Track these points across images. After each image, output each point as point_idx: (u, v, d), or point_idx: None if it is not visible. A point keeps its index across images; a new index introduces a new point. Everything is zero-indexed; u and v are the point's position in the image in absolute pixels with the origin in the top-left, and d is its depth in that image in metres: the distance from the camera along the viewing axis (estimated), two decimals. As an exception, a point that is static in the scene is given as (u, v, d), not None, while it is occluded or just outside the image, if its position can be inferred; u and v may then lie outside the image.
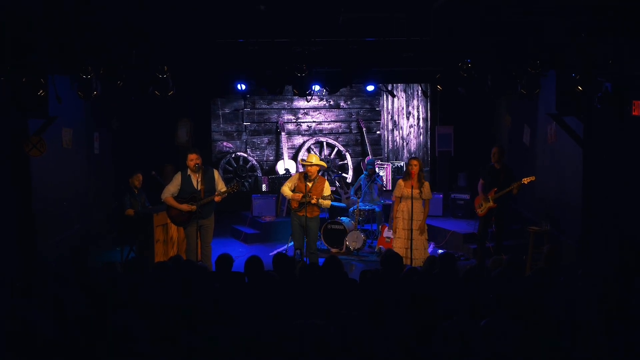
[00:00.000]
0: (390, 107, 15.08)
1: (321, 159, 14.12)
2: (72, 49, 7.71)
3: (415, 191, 8.95)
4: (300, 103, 14.45)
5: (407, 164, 9.28)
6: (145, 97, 8.58)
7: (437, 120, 13.95)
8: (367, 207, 11.75)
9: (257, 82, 9.11)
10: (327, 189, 9.13)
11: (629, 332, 4.67)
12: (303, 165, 9.13)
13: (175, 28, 8.06)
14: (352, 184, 13.40)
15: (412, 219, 8.94)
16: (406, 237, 8.99)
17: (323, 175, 12.12)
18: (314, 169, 9.02)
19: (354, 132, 14.94)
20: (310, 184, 8.96)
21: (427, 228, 9.22)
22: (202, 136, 13.67)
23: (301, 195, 8.92)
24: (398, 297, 5.36)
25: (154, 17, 7.91)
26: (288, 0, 8.25)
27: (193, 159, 8.72)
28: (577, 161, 9.24)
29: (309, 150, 14.40)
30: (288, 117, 14.62)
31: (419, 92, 14.47)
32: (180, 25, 8.09)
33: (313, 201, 8.91)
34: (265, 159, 14.57)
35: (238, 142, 14.41)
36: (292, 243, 9.34)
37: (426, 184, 9.16)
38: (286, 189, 9.18)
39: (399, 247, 9.03)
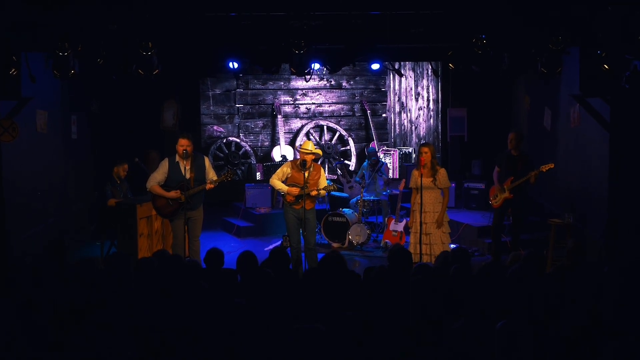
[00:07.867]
0: (397, 87, 15.06)
1: (322, 145, 14.20)
2: (46, 24, 7.67)
3: (427, 180, 8.89)
4: (298, 83, 14.43)
5: (418, 152, 9.21)
6: (127, 77, 8.53)
7: (448, 102, 13.91)
8: (372, 198, 11.72)
9: (250, 59, 9.07)
10: (324, 178, 9.06)
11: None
12: (302, 153, 8.96)
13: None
14: (355, 171, 13.38)
15: (422, 211, 8.89)
16: (416, 230, 8.96)
17: (321, 161, 12.14)
18: (312, 157, 8.92)
19: (357, 115, 14.93)
20: (307, 173, 8.87)
21: (447, 220, 9.11)
22: (190, 119, 13.66)
23: (299, 189, 8.82)
24: (405, 296, 5.37)
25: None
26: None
27: (184, 144, 8.64)
28: (603, 147, 9.22)
29: (307, 135, 14.39)
30: (285, 98, 14.60)
31: (429, 71, 14.45)
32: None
33: (314, 193, 8.80)
34: (259, 144, 14.57)
35: (230, 126, 14.40)
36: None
37: (441, 171, 9.02)
38: (278, 183, 8.95)
39: (412, 242, 9.00)
